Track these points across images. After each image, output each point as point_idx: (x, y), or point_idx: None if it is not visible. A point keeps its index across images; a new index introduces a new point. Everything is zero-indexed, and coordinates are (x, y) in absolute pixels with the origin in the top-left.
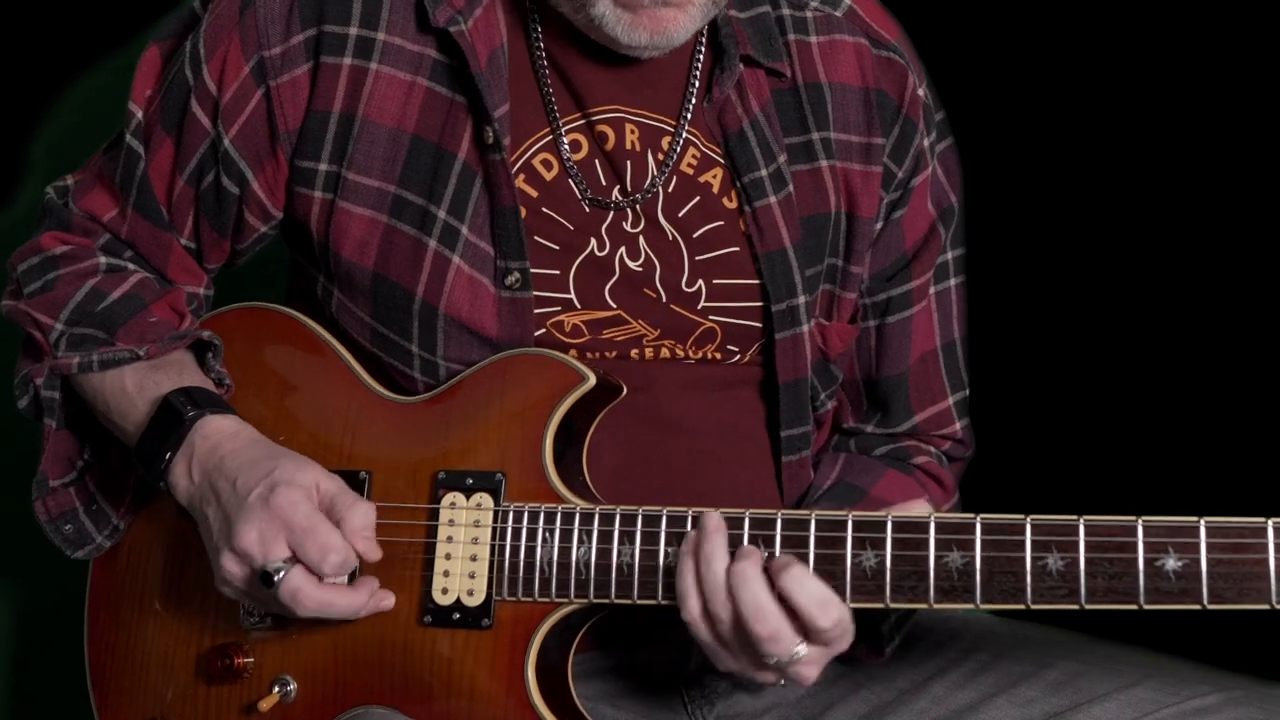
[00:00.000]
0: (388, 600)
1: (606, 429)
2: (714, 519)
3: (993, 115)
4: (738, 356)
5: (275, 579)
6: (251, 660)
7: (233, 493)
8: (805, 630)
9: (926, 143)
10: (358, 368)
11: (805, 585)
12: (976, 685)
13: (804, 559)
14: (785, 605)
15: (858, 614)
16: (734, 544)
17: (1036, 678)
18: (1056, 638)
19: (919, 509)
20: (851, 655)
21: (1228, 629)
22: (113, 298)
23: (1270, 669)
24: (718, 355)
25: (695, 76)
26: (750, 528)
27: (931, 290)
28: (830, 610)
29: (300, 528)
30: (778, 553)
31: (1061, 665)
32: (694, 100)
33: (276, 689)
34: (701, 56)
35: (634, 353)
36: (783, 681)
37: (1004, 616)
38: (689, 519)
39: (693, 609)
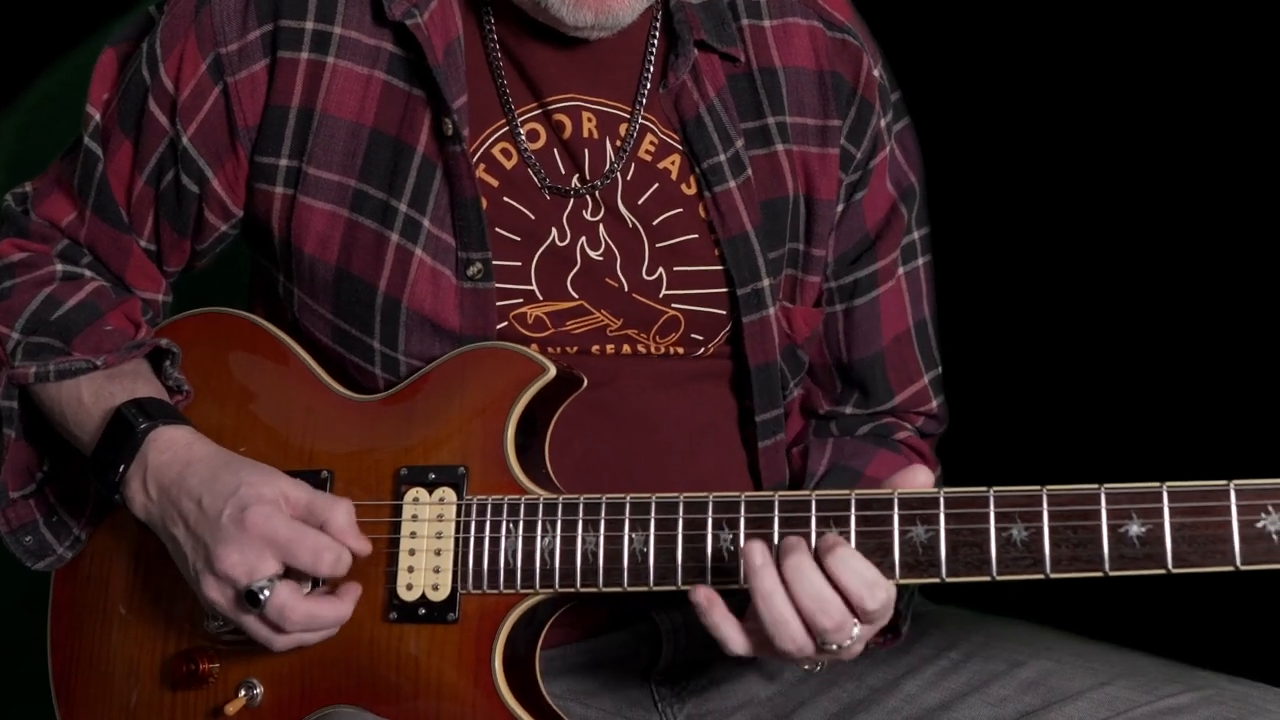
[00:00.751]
0: (355, 591)
1: (571, 426)
2: (757, 550)
3: (952, 94)
4: (702, 348)
5: (261, 597)
6: (217, 665)
7: (200, 514)
8: (854, 612)
9: (883, 123)
10: (317, 368)
11: (854, 566)
12: (949, 684)
13: (768, 539)
14: (834, 587)
15: None
16: (696, 527)
17: (1009, 676)
18: (1029, 635)
19: (922, 478)
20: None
21: (1201, 626)
22: (68, 306)
23: (1243, 667)
24: (680, 349)
25: (650, 63)
26: (714, 510)
27: (901, 271)
28: (878, 592)
29: (285, 539)
30: (742, 536)
31: (1034, 663)
32: (649, 87)
33: (242, 693)
34: (656, 43)
35: (595, 348)
36: (819, 667)
37: (974, 609)
38: (652, 505)
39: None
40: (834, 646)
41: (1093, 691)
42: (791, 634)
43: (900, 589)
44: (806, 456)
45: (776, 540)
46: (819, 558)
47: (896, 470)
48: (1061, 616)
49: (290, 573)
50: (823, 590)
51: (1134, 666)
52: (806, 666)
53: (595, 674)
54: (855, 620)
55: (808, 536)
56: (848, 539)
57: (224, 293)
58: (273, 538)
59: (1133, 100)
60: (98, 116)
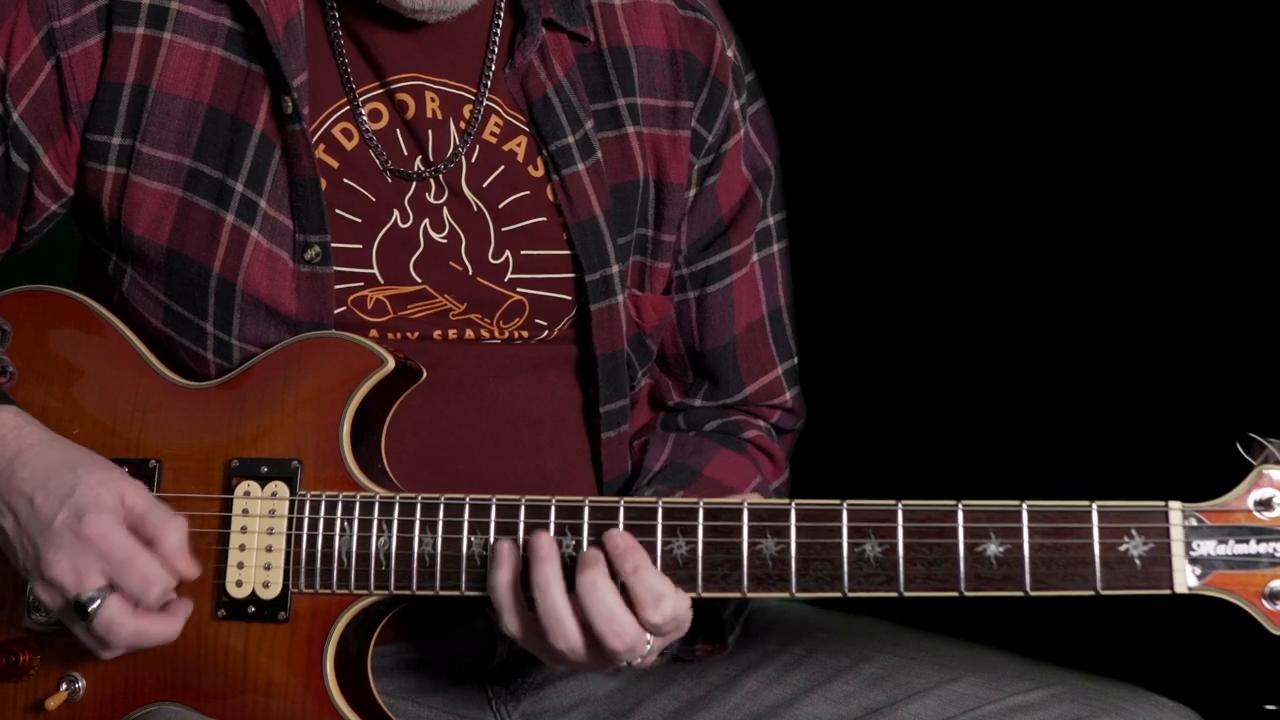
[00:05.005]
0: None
1: (408, 415)
2: (544, 543)
3: (809, 74)
4: (546, 332)
5: (90, 610)
6: (38, 657)
7: (32, 514)
8: (644, 626)
9: (737, 105)
10: (145, 351)
11: (646, 579)
12: (791, 680)
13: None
14: (625, 597)
15: (697, 604)
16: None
17: (854, 672)
18: (875, 629)
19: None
20: (691, 656)
21: (1051, 621)
22: None
23: (1093, 662)
24: (524, 333)
25: (495, 42)
26: (556, 516)
27: (755, 257)
28: (664, 605)
29: (118, 560)
30: (585, 542)
31: (880, 659)
32: (495, 67)
33: (64, 687)
34: (501, 21)
35: (436, 333)
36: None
37: (822, 607)
38: (492, 507)
39: (512, 627)
40: (624, 663)
41: (940, 688)
42: (565, 631)
43: (729, 600)
44: (646, 451)
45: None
46: (618, 573)
47: (737, 472)
48: (908, 611)
49: None
50: (616, 611)
51: (983, 662)
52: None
53: (428, 672)
54: (647, 634)
55: (653, 547)
56: (695, 550)
57: (51, 270)
58: (107, 554)
59: (1001, 84)
60: None
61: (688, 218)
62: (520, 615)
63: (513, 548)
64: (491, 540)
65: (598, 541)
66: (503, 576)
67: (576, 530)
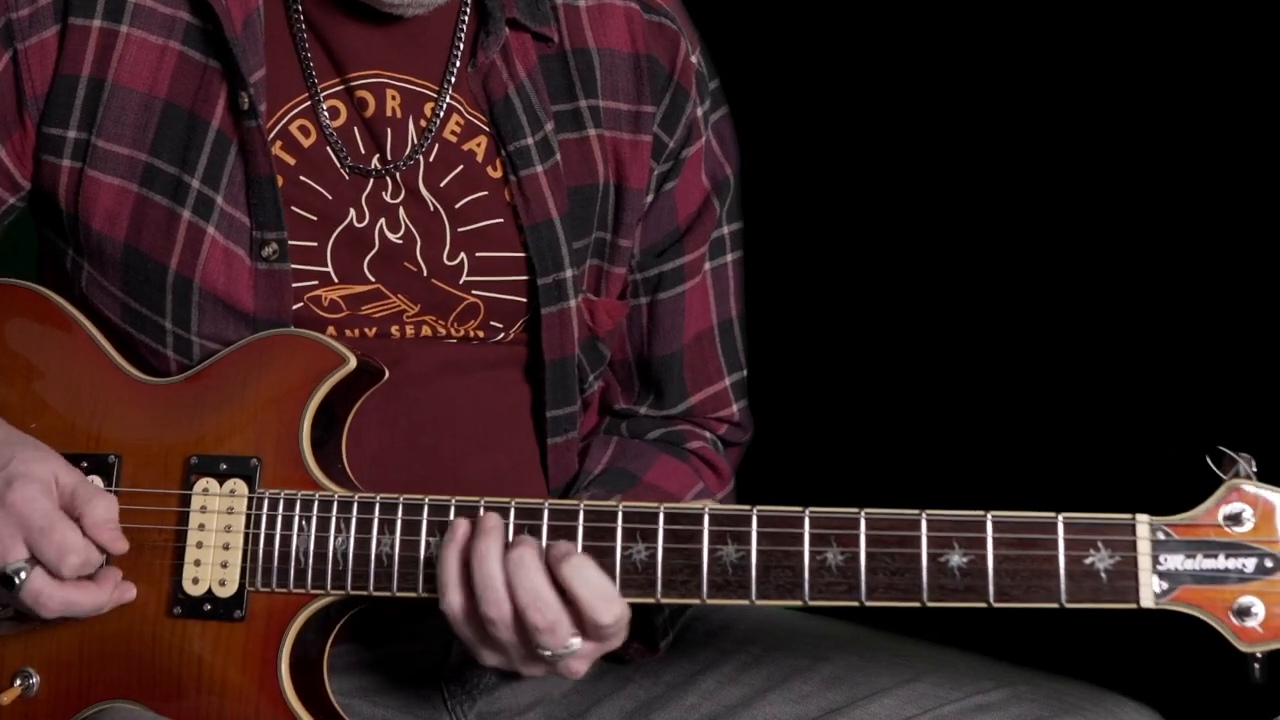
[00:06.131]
0: (129, 593)
1: (365, 413)
2: (493, 519)
3: (775, 82)
4: (501, 334)
5: (16, 581)
6: None
7: None
8: (583, 625)
9: (700, 112)
10: (107, 346)
11: (588, 577)
12: (749, 680)
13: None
14: (564, 596)
15: (631, 608)
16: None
17: (812, 672)
18: (834, 628)
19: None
20: (623, 655)
21: (1011, 621)
22: None
23: (1054, 662)
24: (480, 333)
25: (460, 40)
26: (516, 517)
27: (708, 266)
28: (613, 606)
29: (37, 527)
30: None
31: (838, 658)
32: (458, 65)
33: (18, 682)
34: (466, 20)
35: (394, 329)
36: (548, 674)
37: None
38: (451, 508)
39: (453, 602)
40: (548, 652)
41: (900, 688)
42: (496, 598)
43: (661, 605)
44: (587, 454)
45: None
46: (553, 565)
47: (678, 478)
48: (866, 609)
49: None
50: (541, 589)
51: (942, 662)
52: (536, 674)
53: (384, 671)
54: (575, 630)
55: (612, 551)
56: (655, 555)
57: (11, 262)
58: (27, 521)
59: (959, 99)
60: None
61: (644, 222)
62: (462, 589)
63: (467, 525)
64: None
65: (596, 549)
66: (451, 549)
67: (535, 532)
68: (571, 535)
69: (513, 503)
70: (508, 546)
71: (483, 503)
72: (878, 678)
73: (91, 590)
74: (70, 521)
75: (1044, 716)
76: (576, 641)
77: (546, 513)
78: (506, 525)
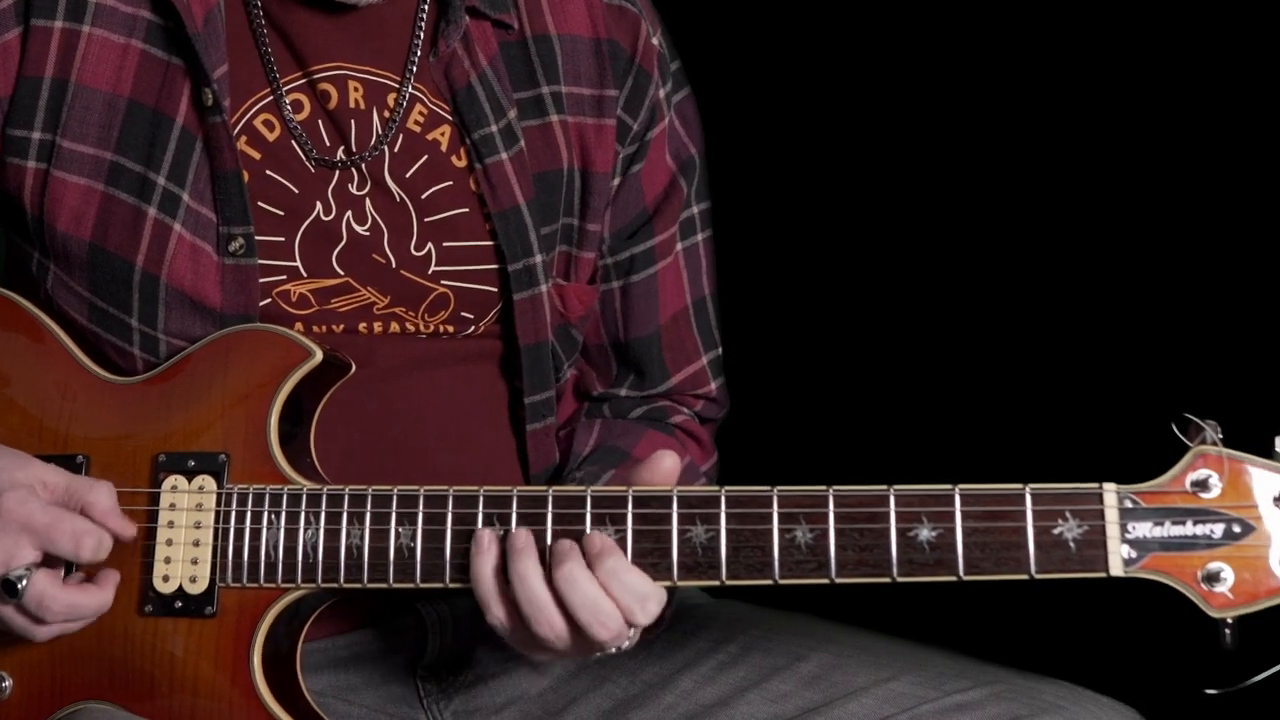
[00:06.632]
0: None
1: (335, 409)
2: (523, 536)
3: (737, 64)
4: (472, 326)
5: (19, 586)
6: None
7: None
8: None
9: (662, 93)
10: (73, 347)
11: (625, 581)
12: (727, 678)
13: (541, 536)
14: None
15: None
16: (465, 522)
17: (790, 670)
18: (811, 627)
19: (667, 464)
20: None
21: (989, 618)
22: None
23: (1032, 661)
24: (450, 327)
25: (420, 30)
26: (485, 505)
27: (679, 246)
28: (650, 605)
29: (42, 524)
30: (513, 529)
31: (816, 657)
32: (419, 55)
33: None
34: (426, 9)
35: (362, 326)
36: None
37: (757, 603)
38: (420, 498)
39: (498, 616)
40: (611, 649)
41: (877, 687)
42: (549, 618)
43: None
44: (573, 439)
45: (550, 539)
46: (592, 567)
47: (666, 450)
48: (844, 608)
49: (46, 561)
50: (599, 600)
51: (920, 661)
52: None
53: (359, 669)
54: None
55: (580, 536)
56: (624, 539)
57: None
58: (29, 523)
59: (929, 73)
60: None
61: (612, 206)
62: (505, 605)
63: (494, 537)
64: (419, 532)
65: (565, 532)
66: (485, 565)
67: (505, 520)
68: (540, 521)
69: (481, 491)
70: (550, 563)
71: (451, 492)
72: (855, 677)
73: (93, 591)
74: (74, 513)
75: (1022, 715)
76: (634, 632)
77: (515, 500)
78: (471, 512)
